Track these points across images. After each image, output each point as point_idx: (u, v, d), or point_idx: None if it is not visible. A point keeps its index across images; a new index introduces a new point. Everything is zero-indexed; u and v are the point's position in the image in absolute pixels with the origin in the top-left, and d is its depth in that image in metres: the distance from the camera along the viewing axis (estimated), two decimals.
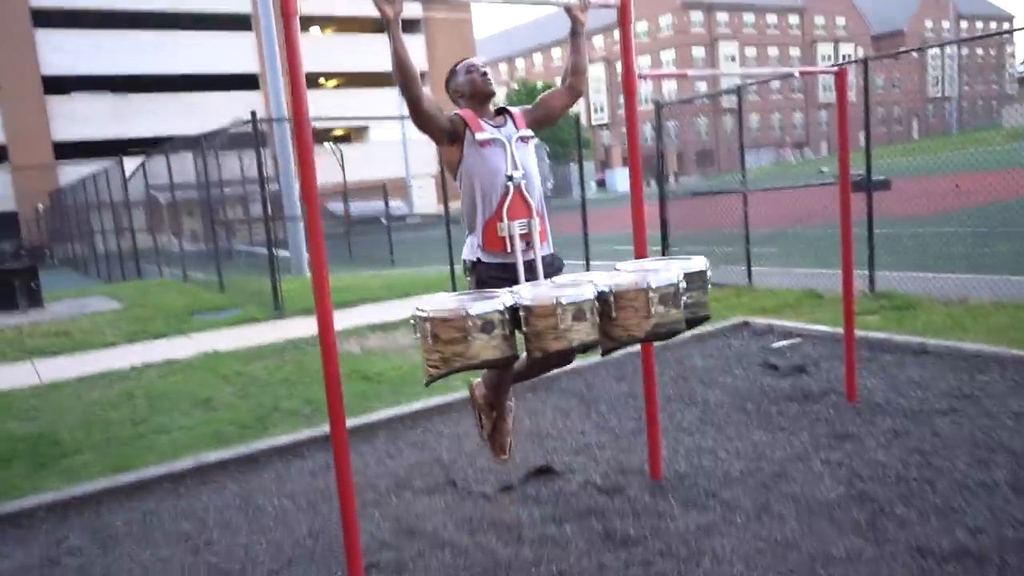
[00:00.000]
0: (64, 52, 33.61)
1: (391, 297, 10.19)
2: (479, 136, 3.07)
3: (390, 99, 38.06)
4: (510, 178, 3.05)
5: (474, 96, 3.17)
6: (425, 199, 42.27)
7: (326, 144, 35.73)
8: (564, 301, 2.58)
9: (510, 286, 2.99)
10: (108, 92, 34.00)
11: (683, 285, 2.80)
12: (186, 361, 6.99)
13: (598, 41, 68.30)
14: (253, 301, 10.10)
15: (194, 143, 12.03)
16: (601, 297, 2.70)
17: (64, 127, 33.58)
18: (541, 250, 3.15)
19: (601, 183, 57.40)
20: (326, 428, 4.65)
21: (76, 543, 3.54)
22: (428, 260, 15.23)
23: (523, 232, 3.09)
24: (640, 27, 66.39)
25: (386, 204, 23.01)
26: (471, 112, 3.15)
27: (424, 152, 41.83)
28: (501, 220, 3.05)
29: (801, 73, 4.02)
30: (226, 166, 12.48)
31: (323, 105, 37.69)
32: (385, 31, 2.85)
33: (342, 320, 8.47)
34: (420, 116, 3.01)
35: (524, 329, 2.64)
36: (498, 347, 2.62)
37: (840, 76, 4.15)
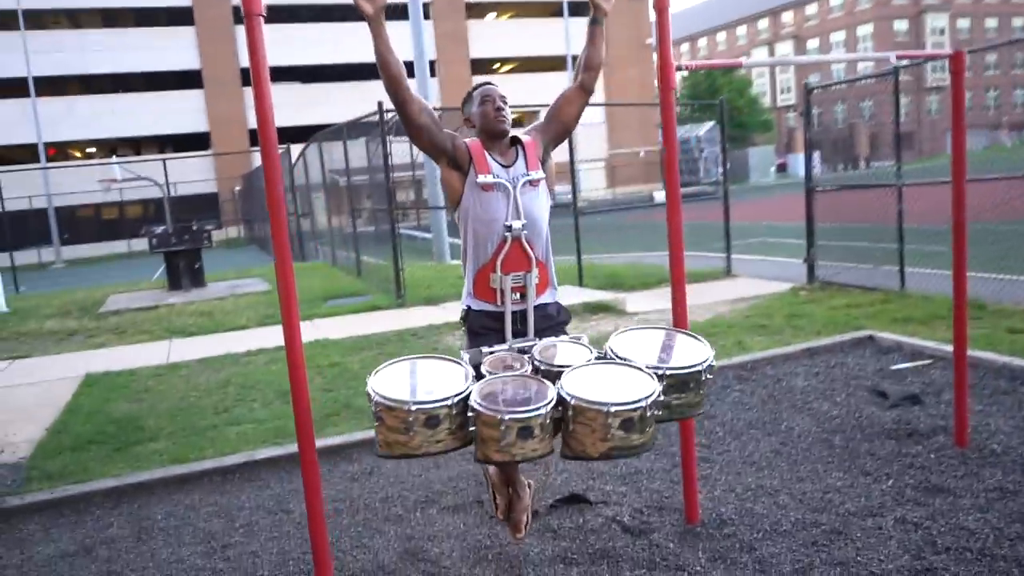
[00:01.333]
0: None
1: None
2: (481, 179, 2.77)
3: (563, 82, 37.93)
4: (509, 228, 2.76)
5: (484, 132, 2.87)
6: (593, 183, 41.88)
7: None
8: (506, 417, 2.29)
9: (501, 336, 2.81)
10: (296, 82, 36.30)
11: (653, 405, 2.38)
12: (279, 349, 7.20)
13: (787, 17, 64.52)
14: (383, 288, 10.32)
15: (339, 132, 12.45)
16: (561, 402, 2.38)
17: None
18: (537, 300, 2.86)
19: (782, 167, 54.36)
20: (368, 433, 4.59)
21: (116, 533, 3.66)
22: (584, 248, 14.91)
23: (516, 285, 2.81)
24: (835, 0, 61.91)
25: (573, 187, 22.92)
26: (480, 145, 2.83)
27: (595, 135, 41.54)
28: (494, 271, 2.79)
29: (900, 58, 3.38)
30: (376, 154, 12.83)
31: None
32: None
33: (440, 315, 8.46)
34: (410, 126, 2.75)
35: (471, 428, 2.38)
36: (443, 442, 2.39)
37: (956, 60, 3.47)
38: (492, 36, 41.35)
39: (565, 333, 2.96)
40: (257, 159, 33.55)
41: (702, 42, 75.60)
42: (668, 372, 2.52)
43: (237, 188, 34.16)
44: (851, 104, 53.52)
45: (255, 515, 3.73)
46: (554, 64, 40.21)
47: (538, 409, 2.34)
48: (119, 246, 32.92)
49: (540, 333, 2.88)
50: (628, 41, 42.42)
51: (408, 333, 7.58)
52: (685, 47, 76.23)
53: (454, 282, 10.67)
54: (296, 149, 17.93)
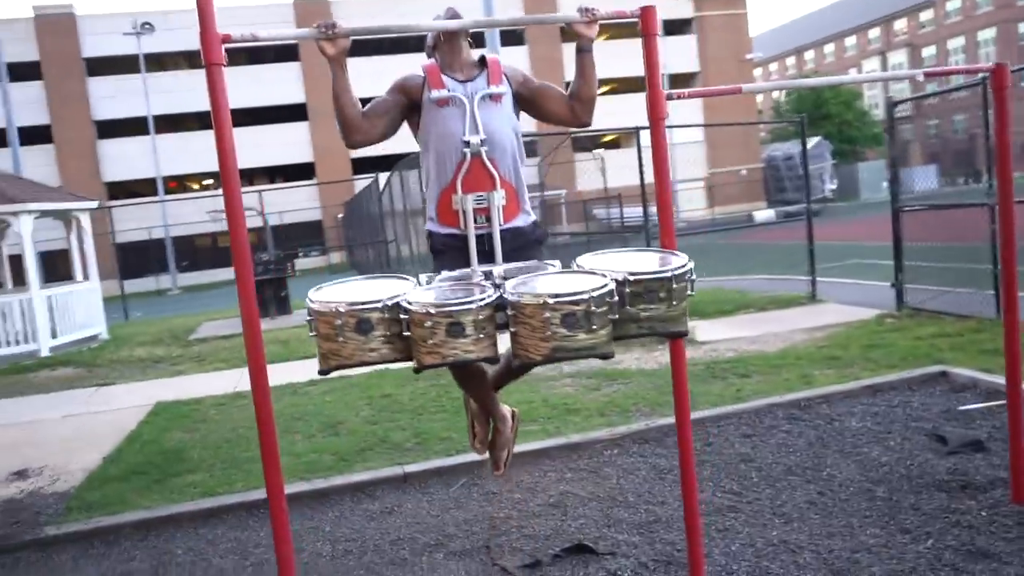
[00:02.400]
0: (363, 78, 37.62)
1: None
2: (434, 94, 2.70)
3: None
4: (467, 144, 2.66)
5: (442, 39, 2.78)
6: (692, 203, 41.04)
7: (595, 152, 36.28)
8: (433, 311, 2.17)
9: (466, 260, 2.69)
10: None
11: (601, 300, 2.19)
12: (354, 379, 7.27)
13: (900, 24, 61.68)
14: None
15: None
16: (501, 306, 2.24)
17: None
18: (506, 224, 2.73)
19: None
20: (406, 467, 4.55)
21: (136, 567, 3.74)
22: None
23: (480, 206, 2.69)
24: (951, 4, 58.77)
25: (644, 209, 22.65)
26: (435, 65, 2.78)
27: (694, 155, 40.78)
28: (455, 192, 2.69)
29: (927, 76, 3.08)
30: None
31: (597, 112, 38.20)
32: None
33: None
34: (378, 140, 2.74)
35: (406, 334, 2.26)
36: (377, 351, 2.28)
37: (998, 75, 3.15)
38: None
39: (539, 252, 2.83)
40: (359, 186, 34.68)
41: (809, 55, 73.23)
42: (629, 277, 2.31)
43: (340, 215, 35.37)
44: (972, 114, 50.46)
45: (268, 553, 3.73)
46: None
47: (468, 303, 2.21)
48: (230, 273, 34.57)
49: (512, 253, 2.74)
50: (728, 57, 41.60)
51: None
52: (791, 60, 74.05)
53: None
54: (384, 177, 18.35)
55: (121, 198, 35.51)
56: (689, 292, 2.40)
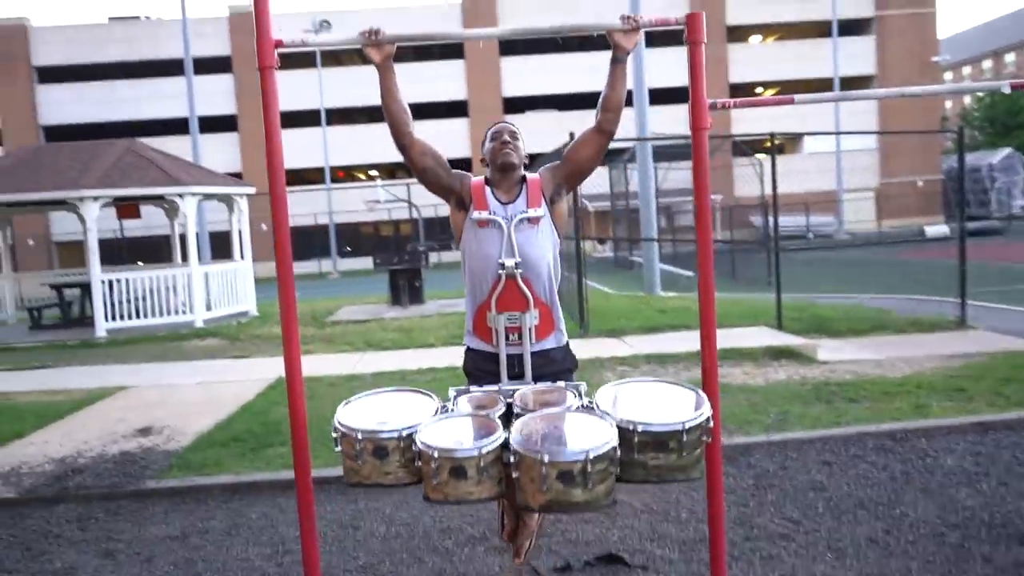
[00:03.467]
0: (522, 76, 38.20)
1: (667, 327, 9.60)
2: (475, 215, 2.78)
3: (828, 107, 35.74)
4: (502, 265, 2.73)
5: (493, 167, 2.87)
6: (860, 215, 38.71)
7: (757, 156, 34.98)
8: (436, 454, 2.24)
9: (497, 378, 2.78)
10: (554, 110, 37.71)
11: (599, 460, 2.20)
12: (459, 370, 7.48)
13: None
14: (570, 317, 10.36)
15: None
16: (505, 445, 2.29)
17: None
18: (538, 344, 2.78)
19: None
20: None
21: (213, 525, 4.08)
22: (814, 286, 13.94)
23: (512, 325, 2.75)
24: None
25: (774, 221, 21.74)
26: (482, 184, 2.85)
27: (865, 162, 38.44)
28: (490, 310, 2.77)
29: (1014, 88, 2.78)
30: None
31: (756, 116, 36.87)
32: None
33: (615, 348, 8.28)
34: (414, 168, 2.85)
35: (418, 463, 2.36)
36: (392, 474, 2.40)
37: None
38: (752, 60, 39.93)
39: (570, 378, 2.84)
40: None
41: (1010, 57, 66.98)
42: (638, 428, 2.33)
43: None
44: None
45: (327, 527, 3.96)
46: (821, 87, 37.87)
47: (470, 449, 2.27)
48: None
49: (541, 379, 2.79)
50: (912, 59, 38.86)
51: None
52: (988, 64, 68.05)
53: (651, 315, 10.46)
54: None
55: (295, 185, 38.09)
56: (705, 439, 2.37)
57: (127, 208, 13.28)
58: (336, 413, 2.54)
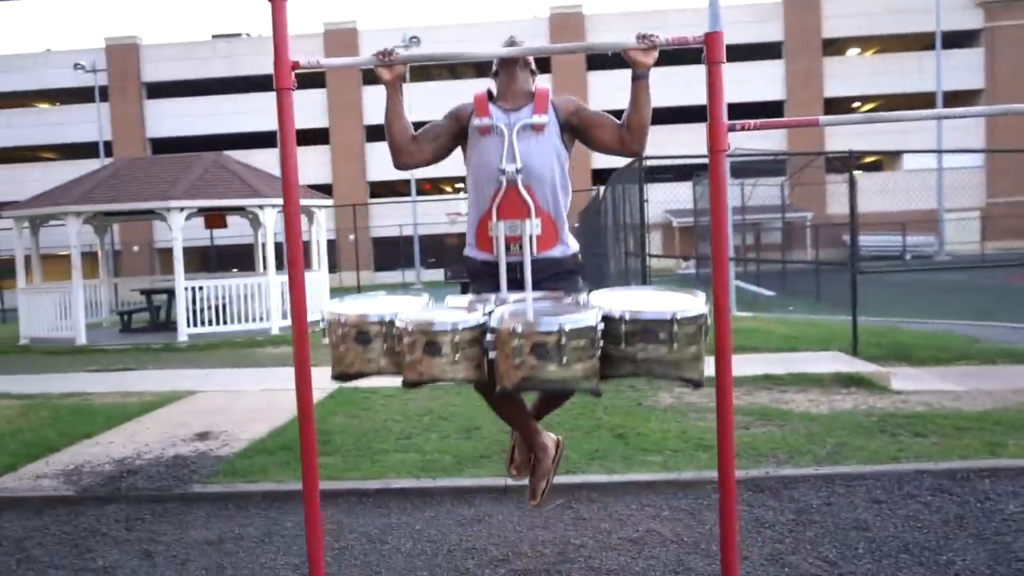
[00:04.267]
0: (608, 91, 38.12)
1: (766, 348, 9.30)
2: (475, 122, 2.79)
3: (932, 123, 34.20)
4: (502, 171, 2.70)
5: (501, 70, 2.86)
6: (964, 235, 36.79)
7: (857, 173, 33.79)
8: (411, 328, 2.23)
9: (497, 284, 2.76)
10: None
11: (576, 334, 2.14)
12: None
13: None
14: None
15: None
16: (484, 329, 2.25)
17: (602, 157, 38.03)
18: (540, 253, 2.74)
19: None
20: (509, 480, 4.61)
21: (249, 532, 4.18)
22: (903, 310, 13.33)
23: (513, 234, 2.71)
24: None
25: (903, 238, 20.95)
26: (485, 95, 2.86)
27: (970, 180, 36.56)
28: (491, 219, 2.75)
29: None
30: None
31: (851, 131, 35.61)
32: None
33: None
34: (428, 163, 2.89)
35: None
36: (375, 362, 2.43)
37: None
38: (850, 74, 38.62)
39: (572, 281, 2.80)
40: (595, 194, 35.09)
41: None
42: (626, 316, 2.25)
43: (576, 224, 36.09)
44: None
45: (356, 540, 3.99)
46: (922, 102, 36.28)
47: (444, 323, 2.26)
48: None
49: (544, 281, 2.75)
50: (1021, 72, 36.82)
51: (626, 383, 7.43)
52: None
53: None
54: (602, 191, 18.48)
55: (384, 196, 39.02)
56: (702, 337, 2.27)
57: (214, 218, 13.87)
58: (323, 307, 2.60)
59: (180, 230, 11.36)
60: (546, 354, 2.14)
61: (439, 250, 37.89)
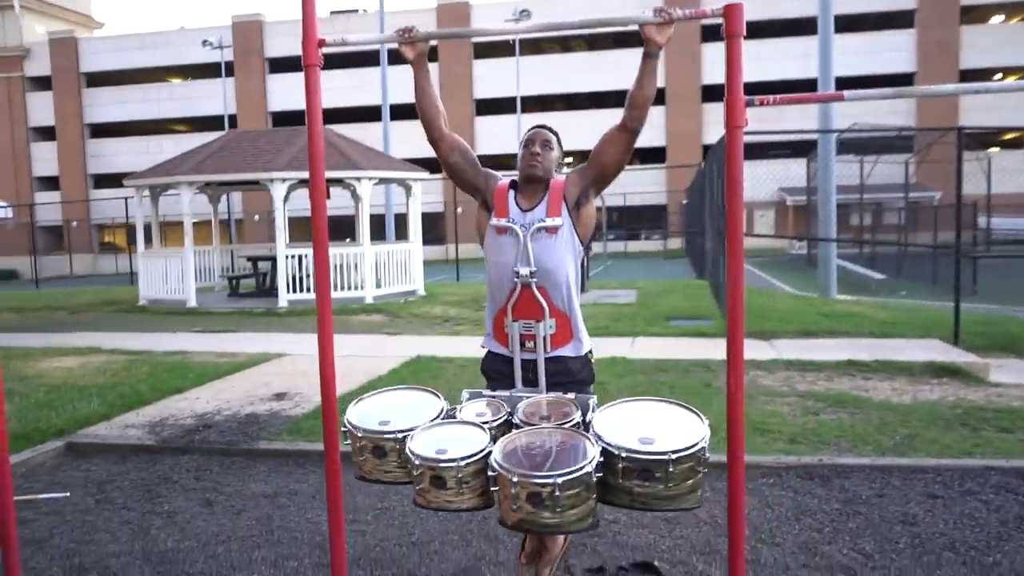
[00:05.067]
0: (717, 65, 36.95)
1: (825, 332, 8.88)
2: (494, 222, 2.79)
3: None
4: (517, 274, 2.71)
5: (519, 174, 2.86)
6: None
7: (989, 151, 31.50)
8: (417, 461, 2.31)
9: (512, 382, 2.80)
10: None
11: (570, 484, 2.17)
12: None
13: None
14: (719, 314, 9.97)
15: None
16: (487, 461, 2.30)
17: (715, 131, 36.97)
18: (553, 352, 2.75)
19: None
20: None
21: (302, 488, 4.40)
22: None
23: (527, 333, 2.74)
24: None
25: (958, 224, 19.52)
26: (506, 188, 2.84)
27: None
28: (506, 316, 2.77)
29: None
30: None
31: (988, 106, 33.21)
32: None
33: (757, 350, 7.84)
34: (443, 164, 2.92)
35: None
36: (392, 474, 2.52)
37: None
38: (992, 44, 35.87)
39: (586, 392, 2.78)
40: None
41: None
42: (622, 454, 2.27)
43: (684, 201, 35.38)
44: None
45: (399, 501, 4.13)
46: None
47: (448, 461, 2.31)
48: None
49: (555, 387, 2.76)
50: None
51: (703, 364, 7.30)
52: None
53: (812, 319, 9.84)
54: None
55: (493, 170, 39.35)
56: (700, 469, 2.26)
57: None
58: (347, 410, 2.66)
59: (282, 200, 11.89)
60: (540, 503, 2.17)
61: None
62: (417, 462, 2.33)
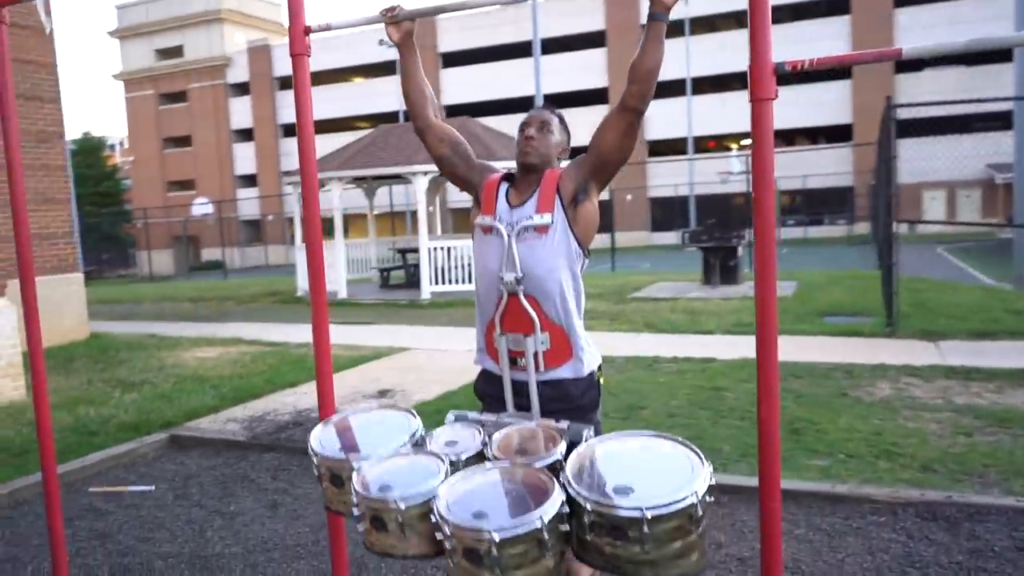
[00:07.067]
0: (922, 29, 33.65)
1: (1007, 334, 7.59)
2: (479, 220, 2.39)
3: None
4: (502, 280, 2.30)
5: (520, 165, 2.44)
6: None
7: None
8: (356, 499, 1.97)
9: (503, 404, 2.38)
10: (961, 66, 32.63)
11: (516, 542, 1.76)
12: (718, 364, 6.86)
13: None
14: (880, 311, 8.88)
15: None
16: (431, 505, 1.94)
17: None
18: (547, 374, 2.31)
19: None
20: None
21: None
22: None
23: (515, 349, 2.32)
24: None
25: None
26: (497, 181, 2.44)
27: None
28: (495, 329, 2.36)
29: None
30: None
31: None
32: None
33: (919, 354, 6.86)
34: (431, 156, 2.58)
35: None
36: (349, 504, 2.19)
37: None
38: None
39: (587, 420, 2.34)
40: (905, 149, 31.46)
41: None
42: (587, 506, 1.84)
43: (872, 183, 32.64)
44: None
45: None
46: None
47: (388, 501, 1.99)
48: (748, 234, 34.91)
49: (551, 414, 2.33)
50: None
51: (846, 368, 6.47)
52: None
53: (996, 316, 8.55)
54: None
55: (664, 155, 38.30)
56: (692, 529, 1.79)
57: None
58: (312, 431, 2.40)
59: (424, 192, 12.00)
60: (478, 560, 1.79)
61: (711, 210, 36.47)
62: (355, 499, 2.03)
